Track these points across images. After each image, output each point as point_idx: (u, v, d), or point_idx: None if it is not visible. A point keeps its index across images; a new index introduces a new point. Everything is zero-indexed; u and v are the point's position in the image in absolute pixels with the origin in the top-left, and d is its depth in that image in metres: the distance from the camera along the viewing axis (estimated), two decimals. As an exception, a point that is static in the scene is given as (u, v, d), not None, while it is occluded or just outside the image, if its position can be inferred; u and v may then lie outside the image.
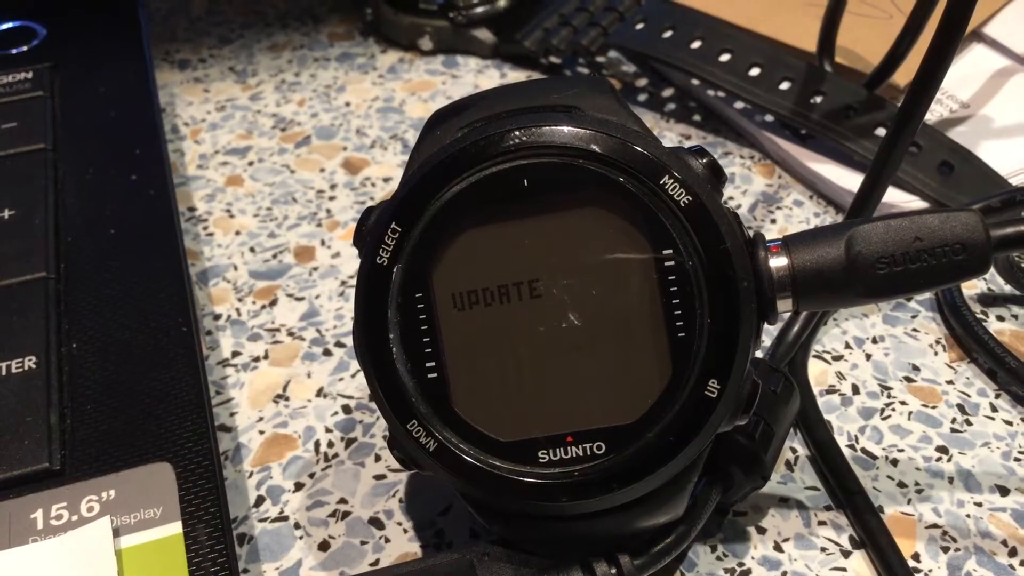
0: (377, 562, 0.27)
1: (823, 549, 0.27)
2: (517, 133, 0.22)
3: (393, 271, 0.22)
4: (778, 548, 0.27)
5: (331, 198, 0.40)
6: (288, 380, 0.32)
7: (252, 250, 0.37)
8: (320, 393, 0.32)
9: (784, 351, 0.31)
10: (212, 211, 0.39)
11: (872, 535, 0.27)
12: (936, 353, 0.33)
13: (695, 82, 0.43)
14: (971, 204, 0.33)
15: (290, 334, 0.34)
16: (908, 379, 0.32)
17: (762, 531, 0.27)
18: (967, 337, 0.32)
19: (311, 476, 0.29)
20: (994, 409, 0.31)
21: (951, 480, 0.29)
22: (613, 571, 0.23)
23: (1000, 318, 0.34)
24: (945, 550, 0.27)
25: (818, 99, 0.39)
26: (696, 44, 0.41)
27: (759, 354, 0.31)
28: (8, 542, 0.24)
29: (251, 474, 0.29)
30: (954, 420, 0.30)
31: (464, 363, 0.23)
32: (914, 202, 0.36)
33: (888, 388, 0.31)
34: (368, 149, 0.42)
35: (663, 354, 0.22)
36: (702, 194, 0.22)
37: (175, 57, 0.49)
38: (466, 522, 0.28)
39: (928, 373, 0.32)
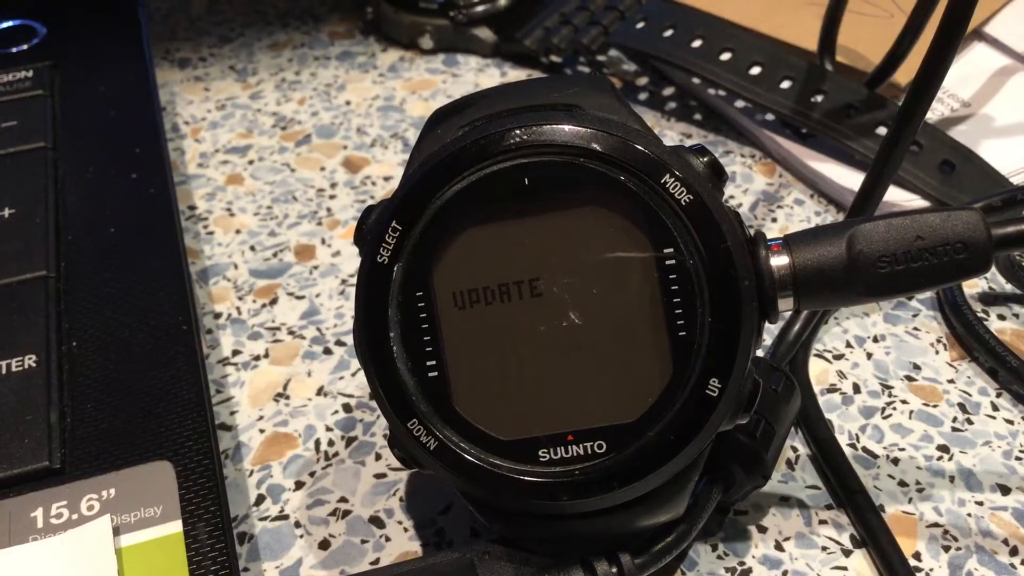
0: (377, 561, 0.27)
1: (824, 548, 0.27)
2: (518, 132, 0.22)
3: (394, 270, 0.22)
4: (779, 547, 0.27)
5: (331, 197, 0.40)
6: (288, 379, 0.32)
7: (252, 249, 0.37)
8: (320, 392, 0.32)
9: (785, 350, 0.31)
10: (212, 210, 0.39)
11: (873, 534, 0.27)
12: (937, 352, 0.33)
13: (696, 81, 0.43)
14: (972, 203, 0.33)
15: (290, 333, 0.34)
16: (909, 378, 0.32)
17: (763, 530, 0.27)
18: (968, 336, 0.32)
19: (311, 475, 0.29)
20: (995, 408, 0.31)
21: (952, 479, 0.29)
22: (614, 570, 0.23)
23: (1001, 317, 0.34)
24: (946, 549, 0.27)
25: (819, 98, 0.39)
26: (697, 43, 0.41)
27: (760, 353, 0.31)
28: (8, 541, 0.24)
29: (251, 473, 0.29)
30: (955, 419, 0.30)
31: (465, 362, 0.23)
32: (915, 201, 0.36)
33: (889, 387, 0.31)
34: (368, 148, 0.42)
35: (664, 353, 0.22)
36: (703, 193, 0.22)
37: (175, 56, 0.49)
38: (467, 521, 0.28)
39: (929, 372, 0.32)
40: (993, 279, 0.35)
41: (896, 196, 0.36)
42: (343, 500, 0.28)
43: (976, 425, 0.30)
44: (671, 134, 0.42)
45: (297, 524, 0.28)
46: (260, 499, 0.29)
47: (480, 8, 0.48)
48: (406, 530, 0.28)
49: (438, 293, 0.23)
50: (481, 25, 0.48)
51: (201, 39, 0.50)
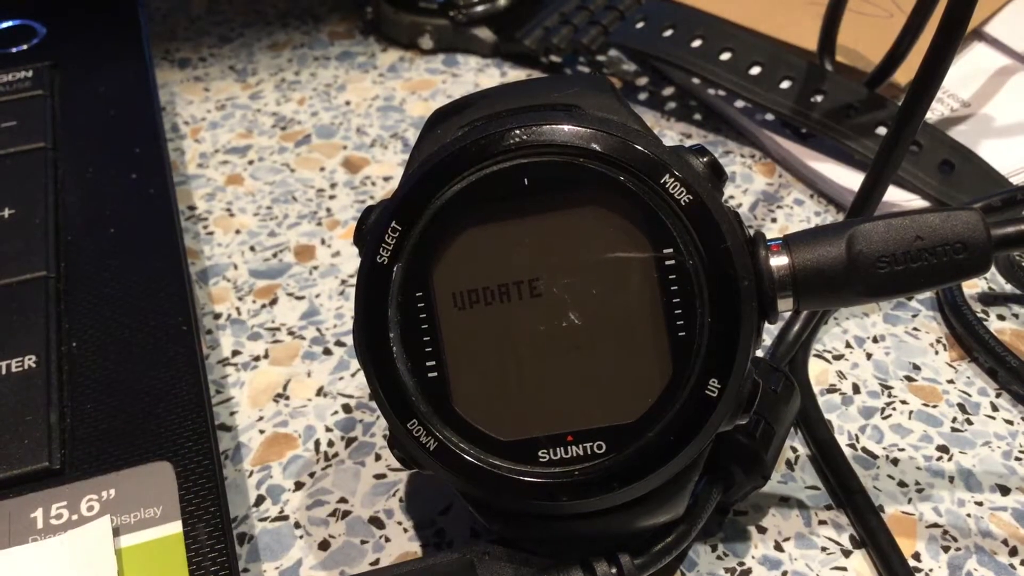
0: (377, 561, 0.27)
1: (824, 548, 0.27)
2: (517, 132, 0.22)
3: (393, 270, 0.22)
4: (779, 547, 0.27)
5: (331, 197, 0.40)
6: (288, 379, 0.32)
7: (252, 249, 0.37)
8: (320, 392, 0.32)
9: (785, 350, 0.31)
10: (212, 210, 0.39)
11: (873, 534, 0.27)
12: (937, 352, 0.33)
13: (696, 81, 0.43)
14: (972, 203, 0.33)
15: (290, 333, 0.34)
16: (909, 378, 0.32)
17: (763, 530, 0.27)
18: (968, 336, 0.32)
19: (311, 475, 0.29)
20: (995, 408, 0.31)
21: (952, 479, 0.29)
22: (613, 570, 0.23)
23: (1001, 317, 0.34)
24: (946, 549, 0.27)
25: (819, 98, 0.39)
26: (697, 43, 0.41)
27: (760, 353, 0.31)
28: (8, 541, 0.24)
29: (251, 473, 0.29)
30: (955, 419, 0.30)
31: (464, 362, 0.23)
32: (915, 201, 0.36)
33: (889, 387, 0.31)
34: (368, 148, 0.42)
35: (663, 353, 0.22)
36: (703, 193, 0.22)
37: (175, 56, 0.49)
38: (466, 521, 0.28)
39: (929, 372, 0.32)
40: (993, 279, 0.35)
41: (896, 196, 0.36)
42: (343, 501, 0.28)
43: (976, 425, 0.30)
44: (671, 134, 0.42)
45: (297, 525, 0.28)
46: (260, 500, 0.29)
47: (480, 8, 0.48)
48: (406, 531, 0.28)
49: (438, 293, 0.23)
50: (481, 25, 0.48)
51: (201, 39, 0.50)
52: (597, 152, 0.22)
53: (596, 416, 0.22)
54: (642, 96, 0.45)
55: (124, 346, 0.29)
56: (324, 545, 0.27)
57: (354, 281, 0.29)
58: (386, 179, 0.41)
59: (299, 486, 0.29)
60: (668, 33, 0.42)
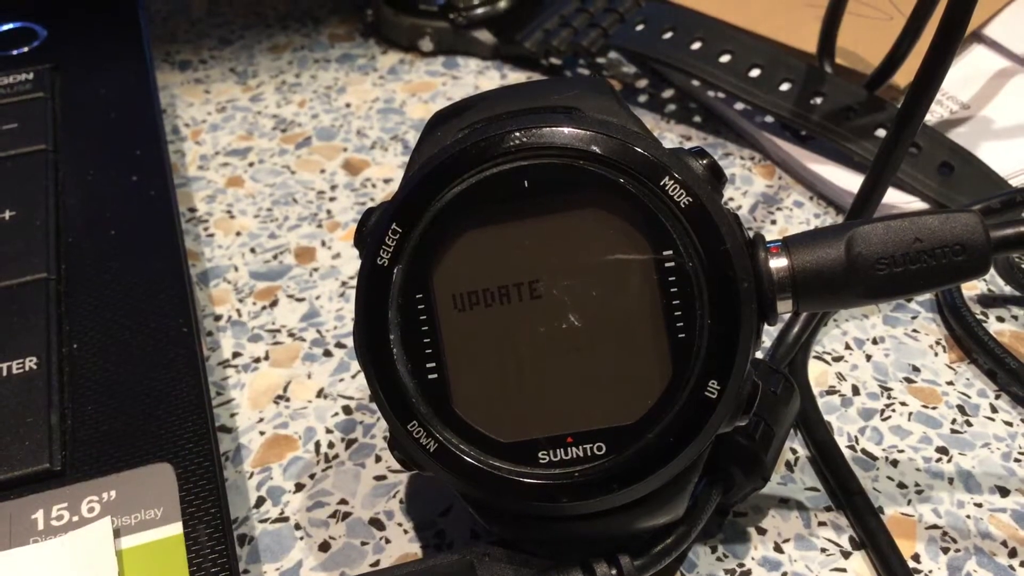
0: (378, 563, 0.27)
1: (823, 550, 0.27)
2: (517, 134, 0.22)
3: (394, 272, 0.22)
4: (778, 549, 0.27)
5: (331, 199, 0.40)
6: (288, 381, 0.32)
7: (253, 251, 0.37)
8: (320, 394, 0.32)
9: (784, 352, 0.31)
10: (213, 212, 0.39)
11: (872, 536, 0.27)
12: (936, 354, 0.33)
13: (695, 83, 0.43)
14: (971, 205, 0.33)
15: (291, 335, 0.34)
16: (908, 380, 0.32)
17: (762, 532, 0.27)
18: (967, 338, 0.32)
19: (311, 477, 0.29)
20: (994, 410, 0.31)
21: (951, 481, 0.29)
22: (613, 572, 0.23)
23: (1000, 319, 0.34)
24: (945, 551, 0.27)
25: (818, 100, 0.39)
26: (696, 45, 0.41)
27: (759, 355, 0.31)
28: (9, 543, 0.24)
29: (251, 475, 0.29)
30: (954, 421, 0.30)
31: (464, 364, 0.23)
32: (914, 203, 0.36)
33: (888, 389, 0.31)
34: (368, 150, 0.42)
35: (663, 355, 0.22)
36: (702, 195, 0.22)
37: (176, 58, 0.49)
38: (466, 523, 0.28)
39: (928, 374, 0.32)
40: (992, 281, 0.35)
41: (895, 198, 0.36)
42: (343, 502, 0.28)
43: (975, 427, 0.30)
44: (671, 136, 0.43)
45: (297, 526, 0.28)
46: (260, 501, 0.29)
47: (480, 10, 0.48)
48: (406, 532, 0.28)
49: (438, 295, 0.23)
50: (481, 27, 0.48)
51: (201, 41, 0.50)
52: (597, 154, 0.22)
53: (596, 417, 0.22)
54: (642, 98, 0.45)
55: (125, 348, 0.29)
56: (324, 546, 0.27)
57: (354, 283, 0.29)
58: (386, 181, 0.41)
59: (299, 487, 0.29)
60: (668, 35, 0.42)
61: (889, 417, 0.30)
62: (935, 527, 0.27)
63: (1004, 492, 0.28)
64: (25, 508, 0.25)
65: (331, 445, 0.30)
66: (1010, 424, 0.30)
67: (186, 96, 0.46)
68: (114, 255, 0.32)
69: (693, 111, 0.44)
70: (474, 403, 0.23)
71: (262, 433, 0.31)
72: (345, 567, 0.27)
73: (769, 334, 0.32)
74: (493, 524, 0.24)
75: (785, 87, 0.39)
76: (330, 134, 0.43)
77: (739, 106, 0.42)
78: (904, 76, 0.37)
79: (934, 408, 0.31)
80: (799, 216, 0.38)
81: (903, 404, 0.31)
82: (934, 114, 0.40)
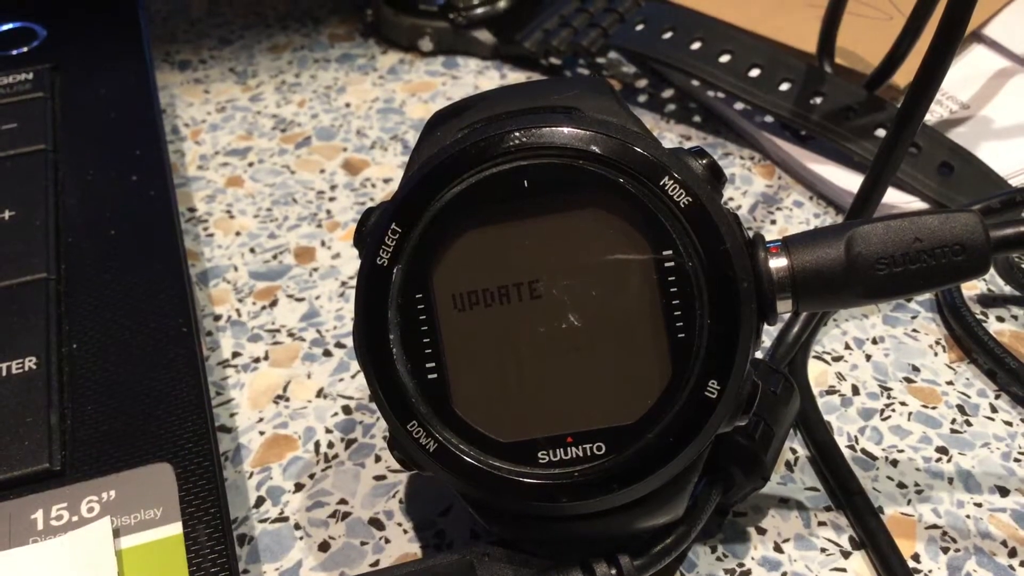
0: (377, 563, 0.27)
1: (823, 550, 0.27)
2: (517, 134, 0.22)
3: (393, 272, 0.22)
4: (778, 549, 0.27)
5: (331, 199, 0.40)
6: (288, 381, 0.32)
7: (252, 251, 0.37)
8: (320, 394, 0.32)
9: (784, 352, 0.31)
10: (212, 212, 0.39)
11: (872, 536, 0.27)
12: (936, 354, 0.33)
13: (695, 83, 0.43)
14: (971, 205, 0.33)
15: (290, 335, 0.34)
16: (908, 380, 0.32)
17: (762, 532, 0.27)
18: (967, 338, 0.32)
19: (311, 477, 0.29)
20: (994, 410, 0.31)
21: (951, 481, 0.29)
22: (613, 572, 0.23)
23: (1000, 319, 0.34)
24: (945, 551, 0.27)
25: (818, 100, 0.39)
26: (696, 45, 0.41)
27: (759, 355, 0.31)
28: (8, 543, 0.24)
29: (251, 475, 0.29)
30: (954, 421, 0.30)
31: (464, 364, 0.23)
32: (914, 203, 0.36)
33: (888, 389, 0.31)
34: (368, 150, 0.42)
35: (663, 355, 0.22)
36: (702, 195, 0.22)
37: (175, 58, 0.49)
38: (466, 523, 0.28)
39: (928, 374, 0.32)
40: (992, 281, 0.35)
41: (895, 198, 0.36)
42: (343, 502, 0.28)
43: (975, 427, 0.30)
44: (670, 136, 0.43)
45: (297, 526, 0.28)
46: (260, 501, 0.29)
47: (480, 10, 0.48)
48: (406, 532, 0.28)
49: (438, 295, 0.23)
50: (481, 27, 0.48)
51: (201, 41, 0.50)
52: (596, 154, 0.22)
53: (596, 417, 0.22)
54: (641, 98, 0.45)
55: (124, 348, 0.29)
56: (324, 546, 0.27)
57: (354, 283, 0.29)
58: (386, 181, 0.41)
59: (299, 487, 0.29)
60: (667, 35, 0.42)
61: (889, 417, 0.30)
62: (935, 527, 0.27)
63: (1004, 492, 0.28)
64: (25, 508, 0.25)
65: (331, 445, 0.30)
66: (1010, 424, 0.30)
67: (186, 96, 0.46)
68: (114, 255, 0.32)
69: (693, 111, 0.44)
70: (474, 403, 0.23)
71: (262, 433, 0.31)
72: (345, 567, 0.27)
73: (769, 334, 0.32)
74: (493, 524, 0.24)
75: (785, 87, 0.39)
76: (330, 134, 0.43)
77: (739, 106, 0.42)
78: (904, 76, 0.37)
79: (934, 408, 0.31)
80: (799, 216, 0.38)
81: (903, 404, 0.31)
82: (934, 114, 0.40)
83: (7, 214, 0.33)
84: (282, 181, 0.41)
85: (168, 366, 0.29)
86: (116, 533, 0.24)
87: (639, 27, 0.43)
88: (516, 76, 0.47)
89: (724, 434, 0.23)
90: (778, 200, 0.39)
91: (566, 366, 0.22)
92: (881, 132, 0.38)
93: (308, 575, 0.27)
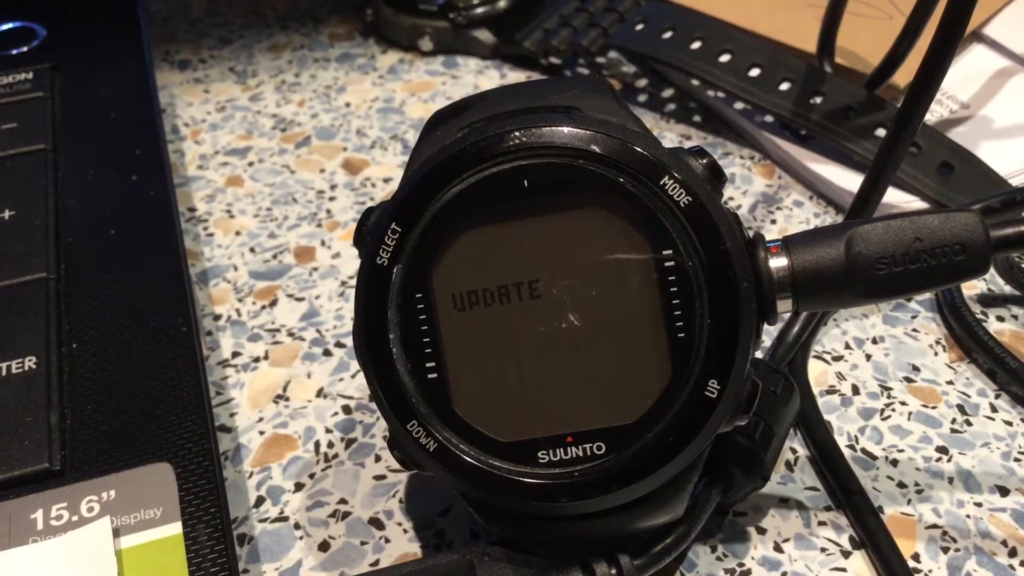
0: (377, 562, 0.27)
1: (823, 549, 0.27)
2: (517, 134, 0.22)
3: (393, 271, 0.22)
4: (778, 548, 0.27)
5: (331, 198, 0.40)
6: (288, 380, 0.32)
7: (252, 250, 0.37)
8: (320, 393, 0.32)
9: (784, 351, 0.31)
10: (212, 211, 0.39)
11: (872, 535, 0.27)
12: (936, 353, 0.33)
13: (695, 83, 0.43)
14: (971, 205, 0.33)
15: (290, 334, 0.34)
16: (908, 379, 0.32)
17: (762, 531, 0.27)
18: (967, 337, 0.32)
19: (311, 476, 0.29)
20: (994, 409, 0.31)
21: (951, 480, 0.29)
22: (613, 571, 0.23)
23: (1000, 318, 0.34)
24: (945, 550, 0.27)
25: (818, 100, 0.39)
26: (696, 45, 0.41)
27: (759, 354, 0.31)
28: (8, 542, 0.24)
29: (251, 474, 0.29)
30: (954, 420, 0.30)
31: (464, 363, 0.23)
32: (914, 203, 0.36)
33: (888, 388, 0.31)
34: (368, 150, 0.42)
35: (663, 354, 0.22)
36: (702, 195, 0.22)
37: (175, 58, 0.49)
38: (466, 522, 0.28)
39: (928, 373, 0.32)
40: (992, 281, 0.35)
41: (895, 198, 0.36)
42: (343, 502, 0.28)
43: (975, 426, 0.30)
44: (670, 136, 0.42)
45: (297, 526, 0.28)
46: (260, 501, 0.29)
47: (480, 10, 0.48)
48: (406, 532, 0.28)
49: (437, 295, 0.23)
50: (480, 27, 0.48)
51: (201, 41, 0.50)
52: (596, 154, 0.22)
53: (596, 417, 0.22)
54: (641, 98, 0.45)
55: (124, 347, 0.29)
56: (324, 546, 0.27)
57: (354, 282, 0.29)
58: (386, 181, 0.41)
59: (299, 487, 0.29)
60: (667, 35, 0.42)
61: (889, 417, 0.30)
62: (935, 527, 0.27)
63: (1004, 492, 0.28)
64: (24, 508, 0.25)
65: (331, 445, 0.30)
66: (1010, 424, 0.30)
67: (186, 96, 0.46)
68: (114, 255, 0.32)
69: (693, 111, 0.44)
70: (474, 403, 0.23)
71: (262, 433, 0.31)
72: (345, 567, 0.27)
73: (769, 334, 0.32)
74: (493, 524, 0.24)
75: (785, 87, 0.39)
76: (330, 134, 0.43)
77: (739, 105, 0.42)
78: (904, 76, 0.37)
79: (934, 408, 0.31)
80: (799, 216, 0.38)
81: (903, 404, 0.31)
82: (934, 114, 0.40)
83: (7, 214, 0.33)
84: (282, 181, 0.41)
85: (168, 366, 0.29)
86: (116, 533, 0.24)
87: (639, 27, 0.43)
88: (516, 76, 0.47)
89: (724, 434, 0.23)
90: (778, 200, 0.39)
91: (566, 366, 0.22)
92: (881, 132, 0.37)
93: (308, 575, 0.27)
